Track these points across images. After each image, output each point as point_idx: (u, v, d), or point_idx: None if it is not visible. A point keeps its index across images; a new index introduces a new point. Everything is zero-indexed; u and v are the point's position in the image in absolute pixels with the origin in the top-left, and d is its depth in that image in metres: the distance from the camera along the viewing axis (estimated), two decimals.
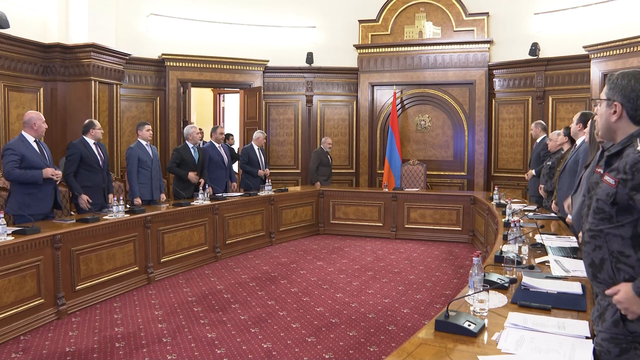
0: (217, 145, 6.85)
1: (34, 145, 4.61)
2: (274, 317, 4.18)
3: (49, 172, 4.54)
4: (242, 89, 9.26)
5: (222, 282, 5.22)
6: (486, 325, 2.01)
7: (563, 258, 3.04)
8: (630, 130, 1.79)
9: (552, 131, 6.97)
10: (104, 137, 7.43)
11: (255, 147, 7.48)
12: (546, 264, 2.97)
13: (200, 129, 7.02)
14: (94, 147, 5.34)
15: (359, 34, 9.28)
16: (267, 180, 7.37)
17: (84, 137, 5.34)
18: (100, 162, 5.36)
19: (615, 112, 1.81)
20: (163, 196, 6.07)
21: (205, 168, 6.61)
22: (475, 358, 1.74)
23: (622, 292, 1.65)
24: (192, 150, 6.36)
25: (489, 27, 8.68)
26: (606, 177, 1.78)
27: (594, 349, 1.77)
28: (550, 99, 8.24)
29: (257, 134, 7.56)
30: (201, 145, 6.93)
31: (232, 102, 11.67)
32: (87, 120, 5.51)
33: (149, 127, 5.95)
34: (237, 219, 6.50)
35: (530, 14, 8.33)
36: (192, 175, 6.25)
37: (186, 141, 6.42)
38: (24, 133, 4.60)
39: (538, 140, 6.42)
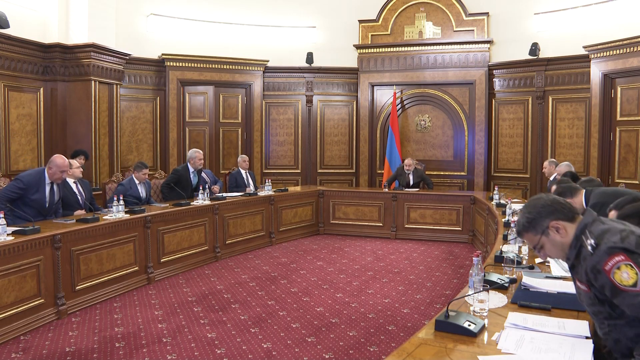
0: (243, 172, 7.45)
1: (47, 187, 4.58)
2: (274, 317, 4.18)
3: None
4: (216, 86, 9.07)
5: (222, 282, 5.21)
6: (486, 325, 2.01)
7: None
8: (571, 231, 1.84)
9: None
10: (103, 137, 7.48)
11: (242, 172, 7.51)
12: (546, 264, 2.97)
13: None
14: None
15: (359, 34, 9.28)
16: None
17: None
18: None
19: (558, 229, 1.86)
20: None
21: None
22: (475, 358, 1.74)
23: None
24: (191, 175, 6.38)
25: (489, 27, 8.68)
26: (578, 284, 1.85)
27: None
28: (550, 99, 8.24)
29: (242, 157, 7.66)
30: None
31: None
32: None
33: (146, 170, 5.86)
34: (237, 219, 6.50)
35: (530, 14, 8.33)
36: None
37: (187, 163, 6.42)
38: (45, 172, 4.57)
39: (551, 178, 6.15)
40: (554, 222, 1.85)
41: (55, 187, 4.68)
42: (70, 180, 5.19)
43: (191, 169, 6.37)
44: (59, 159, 4.58)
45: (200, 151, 6.53)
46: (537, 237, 1.89)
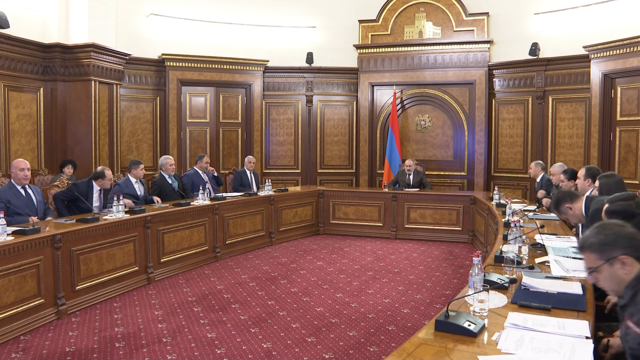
0: (248, 172, 7.42)
1: (21, 191, 4.69)
2: (274, 317, 4.18)
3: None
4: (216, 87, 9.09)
5: (222, 282, 5.21)
6: (486, 325, 2.01)
7: (563, 258, 3.04)
8: (635, 271, 1.77)
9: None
10: (103, 137, 7.48)
11: (248, 172, 7.55)
12: (546, 264, 2.97)
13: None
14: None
15: (359, 34, 9.28)
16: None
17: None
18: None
19: (625, 264, 1.77)
20: None
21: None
22: (475, 358, 1.74)
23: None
24: (169, 180, 6.38)
25: (489, 27, 8.68)
26: (630, 324, 1.74)
27: None
28: (550, 99, 8.24)
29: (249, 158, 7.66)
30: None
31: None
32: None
33: (142, 165, 5.98)
34: (237, 219, 6.50)
35: (530, 14, 8.34)
36: None
37: (161, 172, 6.43)
38: (12, 179, 4.72)
39: (538, 180, 6.33)
40: (624, 257, 1.76)
41: (29, 190, 4.76)
42: (96, 188, 5.29)
43: (166, 176, 6.38)
44: (16, 162, 4.72)
45: (170, 157, 6.51)
46: (599, 262, 1.80)
